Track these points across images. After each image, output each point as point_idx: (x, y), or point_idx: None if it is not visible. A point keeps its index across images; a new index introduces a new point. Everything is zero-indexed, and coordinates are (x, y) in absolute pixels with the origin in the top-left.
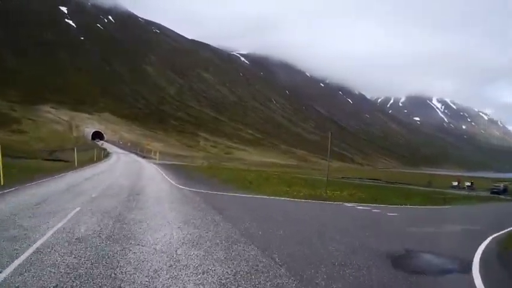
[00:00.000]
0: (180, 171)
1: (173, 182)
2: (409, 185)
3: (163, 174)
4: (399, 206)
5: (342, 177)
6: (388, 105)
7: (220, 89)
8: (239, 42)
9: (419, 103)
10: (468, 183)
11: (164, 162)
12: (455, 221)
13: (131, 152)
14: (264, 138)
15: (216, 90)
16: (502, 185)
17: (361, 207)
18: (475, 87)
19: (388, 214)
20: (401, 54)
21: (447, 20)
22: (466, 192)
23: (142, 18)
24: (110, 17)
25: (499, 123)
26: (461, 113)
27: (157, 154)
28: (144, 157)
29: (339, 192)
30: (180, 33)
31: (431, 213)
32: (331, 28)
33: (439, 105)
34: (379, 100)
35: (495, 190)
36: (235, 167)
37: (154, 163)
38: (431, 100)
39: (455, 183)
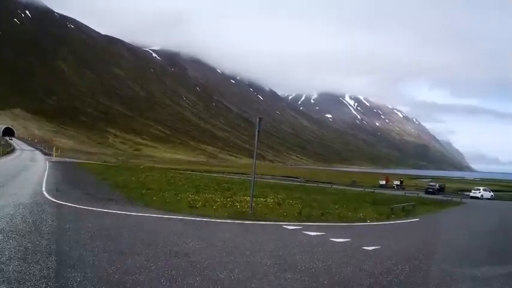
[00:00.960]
0: (70, 171)
1: (45, 189)
2: (333, 184)
3: (46, 175)
4: (357, 222)
5: (256, 175)
6: (300, 102)
7: (131, 85)
8: (152, 38)
9: (332, 100)
10: (397, 182)
11: (63, 159)
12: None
13: (37, 148)
14: (173, 134)
15: (127, 86)
16: (437, 184)
17: (313, 233)
18: (390, 84)
19: (369, 250)
20: (314, 51)
21: (361, 18)
22: (403, 193)
23: (58, 13)
24: (27, 12)
25: (414, 120)
26: (375, 110)
27: (55, 151)
28: (46, 154)
29: (263, 200)
30: (96, 28)
31: (422, 239)
32: (244, 25)
33: (352, 102)
34: (291, 97)
35: (430, 190)
36: (142, 165)
37: (50, 161)
38: (344, 97)
39: (383, 182)
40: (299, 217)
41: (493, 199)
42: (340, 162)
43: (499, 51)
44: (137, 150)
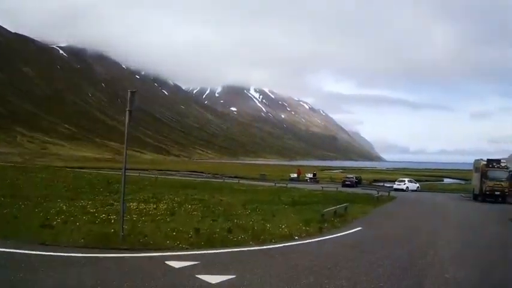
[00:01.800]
0: None
1: None
2: (240, 178)
3: None
4: (281, 242)
5: (161, 171)
6: (204, 96)
7: (39, 83)
8: (58, 34)
9: (236, 93)
10: (310, 175)
11: None
12: None
13: None
14: (80, 132)
15: (35, 85)
16: (354, 177)
17: (216, 278)
18: (296, 76)
19: None
20: (218, 44)
21: (266, 9)
22: (319, 187)
23: None
24: None
25: (321, 111)
26: (280, 102)
27: None
28: None
29: (153, 206)
30: (4, 26)
31: (389, 269)
32: (148, 19)
33: (256, 95)
34: (195, 91)
35: (348, 182)
36: (46, 164)
37: None
38: (248, 90)
39: (294, 175)
40: (196, 239)
41: (419, 191)
42: (246, 155)
43: (406, 41)
44: (44, 149)
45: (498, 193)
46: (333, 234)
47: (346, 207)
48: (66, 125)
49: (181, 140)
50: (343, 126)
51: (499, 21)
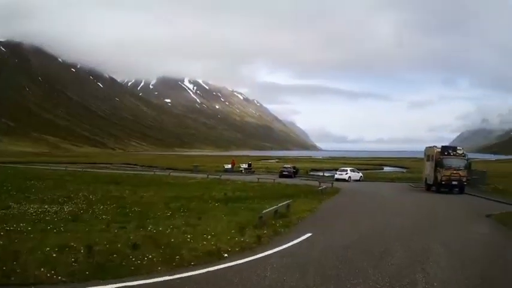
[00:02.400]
0: None
1: None
2: (173, 170)
3: None
4: (204, 262)
5: (94, 164)
6: (139, 88)
7: None
8: None
9: (171, 85)
10: (245, 165)
11: None
12: None
13: None
14: (17, 127)
15: None
16: (291, 167)
17: None
18: (230, 67)
19: None
20: (152, 36)
21: (201, 3)
22: (255, 178)
23: None
24: None
25: (256, 101)
26: (215, 93)
27: None
28: None
29: (55, 209)
30: None
31: None
32: (84, 13)
33: (191, 86)
34: (130, 83)
35: (285, 173)
36: None
37: None
38: (183, 81)
39: (228, 166)
40: (82, 264)
41: (362, 181)
42: (181, 147)
43: (345, 31)
44: None
45: (455, 183)
46: (275, 247)
47: (288, 205)
48: (3, 120)
49: (117, 133)
50: (278, 116)
51: (438, 11)
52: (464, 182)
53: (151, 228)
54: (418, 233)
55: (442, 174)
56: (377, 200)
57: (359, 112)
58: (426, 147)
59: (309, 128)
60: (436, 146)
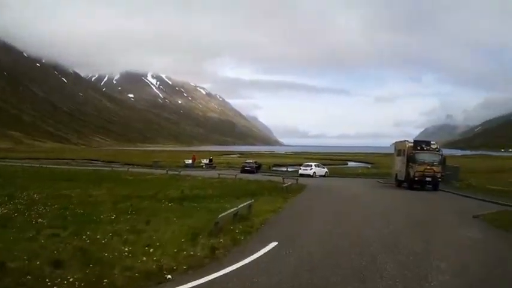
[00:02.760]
0: None
1: None
2: (133, 166)
3: None
4: None
5: (57, 159)
6: (102, 83)
7: None
8: None
9: (134, 80)
10: (206, 161)
11: None
12: None
13: None
14: None
15: None
16: (254, 162)
17: None
18: (193, 62)
19: None
20: (116, 31)
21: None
22: (216, 173)
23: None
24: None
25: (218, 96)
26: (177, 88)
27: None
28: None
29: None
30: None
31: None
32: (49, 7)
33: (154, 81)
34: (94, 78)
35: (248, 168)
36: None
37: None
38: (146, 76)
39: (189, 162)
40: None
41: (327, 176)
42: (144, 142)
43: (309, 27)
44: None
45: (429, 179)
46: (232, 264)
47: (250, 206)
48: None
49: (81, 128)
50: (241, 111)
51: (403, 7)
52: (439, 178)
53: (86, 237)
54: (405, 242)
55: (415, 170)
56: (347, 198)
57: (322, 107)
58: (396, 142)
59: (272, 123)
60: (407, 140)
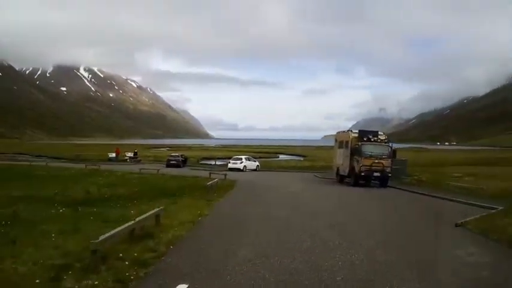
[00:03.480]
0: None
1: None
2: (56, 159)
3: None
4: None
5: None
6: (36, 76)
7: None
8: None
9: (67, 73)
10: (130, 154)
11: None
12: None
13: None
14: None
15: None
16: (180, 155)
17: None
18: (124, 55)
19: None
20: (49, 23)
21: None
22: (137, 168)
23: None
24: None
25: (149, 89)
26: (109, 81)
27: None
28: None
29: None
30: None
31: None
32: None
33: (86, 74)
34: (28, 71)
35: (173, 161)
36: None
37: None
38: (78, 69)
39: (113, 155)
40: None
41: (259, 170)
42: (76, 135)
43: (238, 19)
44: None
45: (378, 174)
46: None
47: (158, 215)
48: None
49: (14, 122)
50: (171, 104)
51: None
52: (389, 173)
53: None
54: (379, 272)
55: (362, 164)
56: (286, 200)
57: (251, 100)
58: (338, 132)
59: (202, 116)
60: (351, 130)
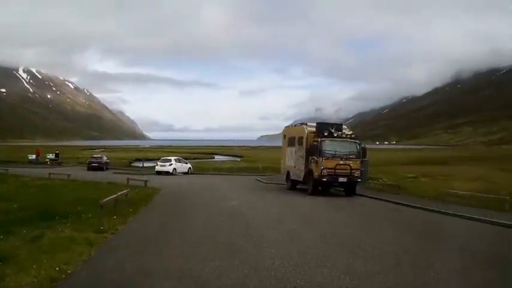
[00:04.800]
0: None
1: None
2: None
3: None
4: None
5: None
6: None
7: None
8: None
9: (6, 74)
10: (51, 155)
11: None
12: None
13: None
14: None
15: None
16: (103, 157)
17: None
18: (62, 55)
19: None
20: None
21: None
22: (52, 172)
23: None
24: None
25: (85, 91)
26: (47, 82)
27: None
28: None
29: None
30: None
31: None
32: None
33: (25, 75)
34: None
35: (95, 164)
36: None
37: None
38: (17, 70)
39: (33, 157)
40: None
41: (191, 173)
42: (16, 137)
43: (175, 19)
44: None
45: (344, 179)
46: None
47: None
48: None
49: None
50: (107, 105)
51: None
52: (358, 177)
53: None
54: None
55: (323, 167)
56: (226, 226)
57: (186, 101)
58: (287, 127)
59: (138, 117)
60: (307, 124)
